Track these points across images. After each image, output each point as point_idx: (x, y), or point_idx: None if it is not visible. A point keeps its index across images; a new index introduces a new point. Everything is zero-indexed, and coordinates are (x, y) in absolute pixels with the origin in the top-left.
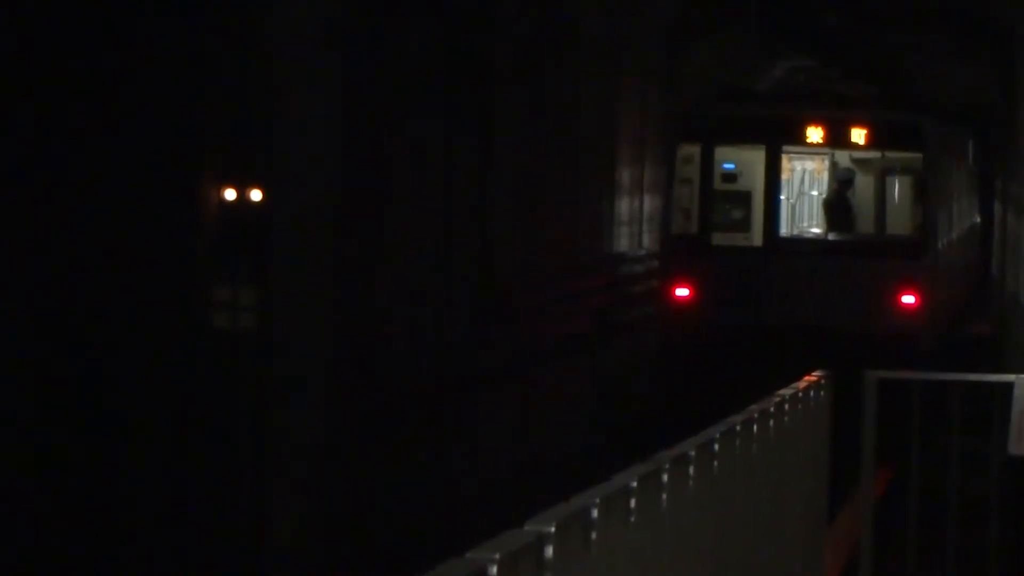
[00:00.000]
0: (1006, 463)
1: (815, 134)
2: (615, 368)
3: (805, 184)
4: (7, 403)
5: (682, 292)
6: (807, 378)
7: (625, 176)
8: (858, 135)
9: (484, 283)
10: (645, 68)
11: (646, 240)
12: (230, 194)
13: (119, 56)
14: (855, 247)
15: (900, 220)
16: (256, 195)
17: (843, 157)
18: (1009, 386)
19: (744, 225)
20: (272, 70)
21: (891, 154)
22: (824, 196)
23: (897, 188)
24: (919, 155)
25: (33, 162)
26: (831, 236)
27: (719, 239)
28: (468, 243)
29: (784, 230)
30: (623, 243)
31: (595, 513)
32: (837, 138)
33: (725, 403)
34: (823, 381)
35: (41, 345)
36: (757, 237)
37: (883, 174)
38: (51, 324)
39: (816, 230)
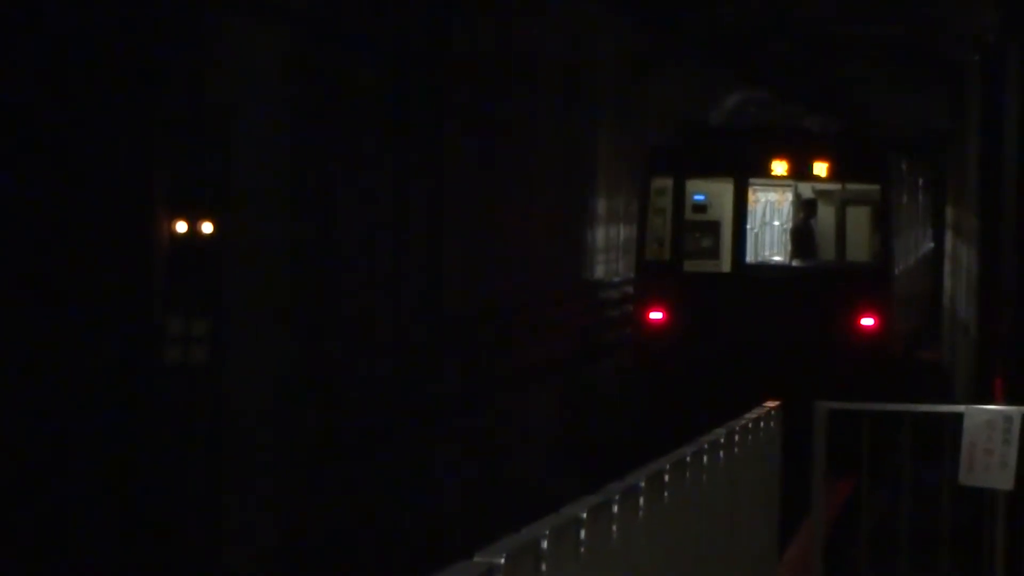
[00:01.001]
0: (956, 493)
1: (780, 167)
2: (579, 395)
3: (767, 214)
4: None
5: (656, 316)
6: (764, 407)
7: (585, 205)
8: (820, 168)
9: (436, 313)
10: (602, 97)
11: (604, 269)
12: (181, 227)
13: (69, 88)
14: (818, 273)
15: (860, 248)
16: (208, 227)
17: (806, 189)
18: (959, 416)
19: (714, 253)
20: (224, 103)
21: (851, 186)
22: (790, 225)
23: (857, 217)
24: (877, 187)
25: None
26: (795, 262)
27: (690, 266)
28: (420, 273)
29: (751, 257)
30: (588, 272)
31: (545, 544)
32: (800, 171)
33: (697, 423)
34: (773, 412)
35: None
36: (726, 264)
37: (844, 204)
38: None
39: (778, 258)
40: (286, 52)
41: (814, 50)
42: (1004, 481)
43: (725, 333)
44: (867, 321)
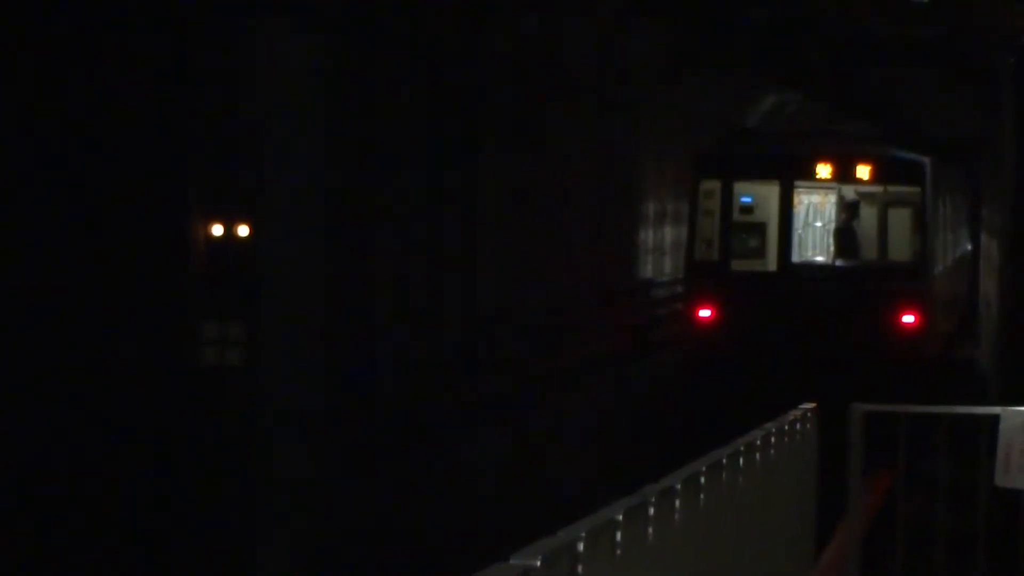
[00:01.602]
0: (993, 495)
1: (824, 170)
2: (625, 392)
3: (811, 216)
4: None
5: (705, 313)
6: (800, 409)
7: (616, 209)
8: (863, 171)
9: (472, 312)
10: (630, 103)
11: (653, 269)
12: (218, 230)
13: (107, 94)
14: (860, 272)
15: (901, 248)
16: (244, 231)
17: (849, 191)
18: (995, 418)
19: (760, 253)
20: (259, 108)
21: (892, 188)
22: (833, 226)
23: (898, 219)
24: (918, 189)
25: (23, 198)
26: (839, 262)
27: (738, 265)
28: (457, 274)
29: (796, 257)
30: (613, 275)
31: (581, 546)
32: (844, 174)
33: (744, 418)
34: (809, 414)
35: (32, 383)
36: (772, 263)
37: (885, 206)
38: (43, 361)
39: (822, 257)
40: (321, 59)
41: (848, 53)
42: None
43: (772, 329)
44: (908, 318)
